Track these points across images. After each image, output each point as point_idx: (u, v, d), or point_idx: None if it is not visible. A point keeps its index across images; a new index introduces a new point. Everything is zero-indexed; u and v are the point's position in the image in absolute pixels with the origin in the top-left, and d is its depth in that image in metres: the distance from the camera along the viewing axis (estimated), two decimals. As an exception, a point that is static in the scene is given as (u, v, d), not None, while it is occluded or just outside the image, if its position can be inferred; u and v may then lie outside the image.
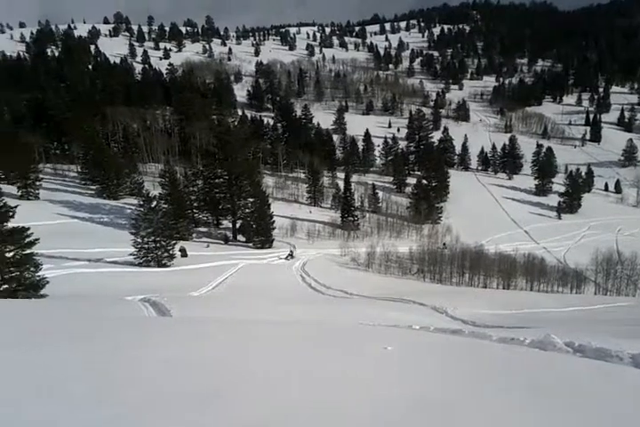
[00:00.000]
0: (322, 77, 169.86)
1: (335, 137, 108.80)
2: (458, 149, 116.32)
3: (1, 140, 57.88)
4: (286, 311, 18.83)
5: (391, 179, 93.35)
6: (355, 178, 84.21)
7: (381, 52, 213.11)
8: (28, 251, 18.56)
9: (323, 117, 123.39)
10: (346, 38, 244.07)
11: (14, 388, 4.65)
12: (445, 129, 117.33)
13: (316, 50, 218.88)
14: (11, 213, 18.30)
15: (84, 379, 5.04)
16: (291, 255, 44.08)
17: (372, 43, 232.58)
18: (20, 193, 53.37)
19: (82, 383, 4.90)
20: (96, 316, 12.40)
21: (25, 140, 63.66)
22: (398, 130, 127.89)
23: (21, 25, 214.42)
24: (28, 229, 18.75)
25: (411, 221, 71.81)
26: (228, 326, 9.97)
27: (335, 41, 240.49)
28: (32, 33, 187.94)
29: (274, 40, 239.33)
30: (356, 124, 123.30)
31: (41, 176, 59.20)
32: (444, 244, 60.08)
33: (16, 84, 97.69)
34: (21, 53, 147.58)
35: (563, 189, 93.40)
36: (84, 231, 44.51)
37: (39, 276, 18.93)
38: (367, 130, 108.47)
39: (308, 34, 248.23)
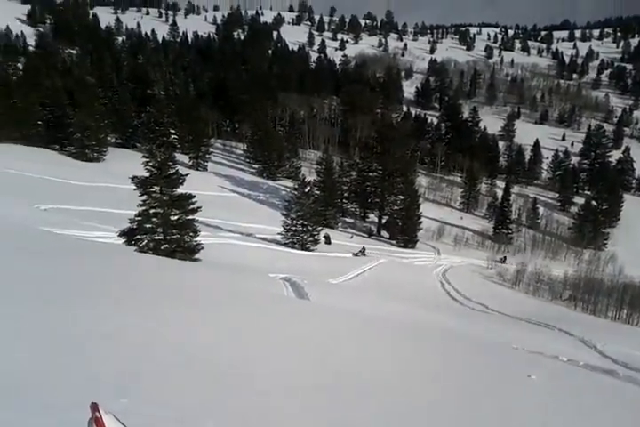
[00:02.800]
0: (496, 81, 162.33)
1: (501, 143, 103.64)
2: (638, 172, 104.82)
3: (183, 113, 63.35)
4: (427, 319, 17.95)
5: (556, 195, 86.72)
6: (515, 189, 79.55)
7: (567, 59, 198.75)
8: (190, 217, 19.68)
9: (491, 122, 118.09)
10: (529, 42, 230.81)
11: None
12: (627, 149, 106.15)
13: (495, 52, 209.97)
14: (181, 181, 19.46)
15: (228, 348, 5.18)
16: (362, 252, 41.00)
17: (557, 49, 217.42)
18: (190, 163, 57.88)
19: (225, 355, 5.00)
20: (244, 287, 12.60)
21: (203, 115, 68.96)
22: (572, 144, 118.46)
23: (215, 8, 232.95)
24: (194, 196, 19.81)
25: (570, 244, 66.14)
26: (377, 325, 9.45)
27: (517, 44, 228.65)
28: (223, 16, 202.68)
29: (452, 39, 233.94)
30: (526, 133, 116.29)
31: (211, 150, 63.80)
32: (504, 257, 54.20)
33: (204, 63, 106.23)
34: (211, 35, 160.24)
35: None
36: (241, 206, 47.03)
37: (196, 241, 19.98)
38: (537, 140, 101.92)
39: (488, 35, 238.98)
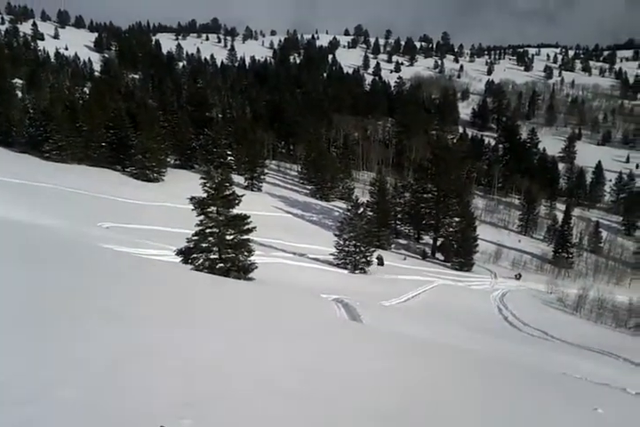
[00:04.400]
0: (556, 102, 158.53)
1: (561, 165, 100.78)
2: None
3: (240, 135, 64.77)
4: (485, 346, 17.30)
5: (620, 218, 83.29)
6: (576, 212, 76.73)
7: (630, 79, 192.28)
8: (245, 236, 19.85)
9: (550, 143, 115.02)
10: (591, 62, 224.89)
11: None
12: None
13: (555, 73, 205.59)
14: (237, 201, 19.72)
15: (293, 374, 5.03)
16: (380, 261, 39.00)
17: (620, 69, 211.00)
18: (246, 184, 58.88)
19: (292, 379, 4.93)
20: (299, 313, 12.49)
21: (259, 137, 70.34)
22: (637, 166, 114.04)
23: (272, 33, 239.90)
24: (249, 217, 20.01)
25: (636, 269, 62.95)
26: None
27: (578, 65, 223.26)
28: (280, 41, 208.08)
29: (509, 60, 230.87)
30: (588, 155, 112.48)
31: (266, 171, 64.76)
32: (519, 274, 51.66)
33: (260, 86, 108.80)
34: (268, 59, 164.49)
35: None
36: (294, 226, 47.25)
37: (250, 260, 20.11)
38: (600, 162, 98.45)
39: (548, 55, 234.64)
